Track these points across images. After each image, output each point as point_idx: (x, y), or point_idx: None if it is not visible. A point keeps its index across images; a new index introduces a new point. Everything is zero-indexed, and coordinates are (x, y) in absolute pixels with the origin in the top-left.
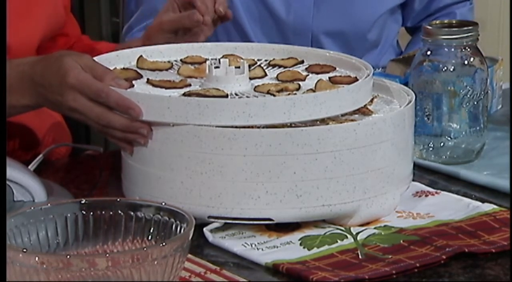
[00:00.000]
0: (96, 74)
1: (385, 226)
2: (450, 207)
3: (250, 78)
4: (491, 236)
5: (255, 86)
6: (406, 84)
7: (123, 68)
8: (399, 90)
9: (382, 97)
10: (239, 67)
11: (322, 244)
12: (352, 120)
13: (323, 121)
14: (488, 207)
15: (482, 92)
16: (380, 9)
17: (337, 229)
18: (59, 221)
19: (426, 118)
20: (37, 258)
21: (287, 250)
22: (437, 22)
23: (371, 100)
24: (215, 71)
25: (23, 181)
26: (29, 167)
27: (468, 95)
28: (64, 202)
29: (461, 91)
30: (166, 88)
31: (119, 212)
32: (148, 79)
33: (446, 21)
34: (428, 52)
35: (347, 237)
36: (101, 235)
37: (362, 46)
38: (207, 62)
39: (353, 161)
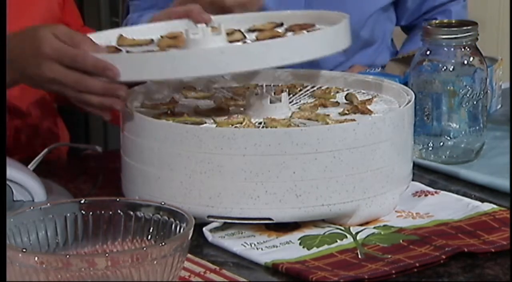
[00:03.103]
0: (73, 42)
1: (384, 225)
2: (450, 207)
3: (230, 42)
4: (491, 236)
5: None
6: (405, 84)
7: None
8: (398, 90)
9: (381, 97)
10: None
11: (321, 243)
12: (351, 120)
13: (323, 121)
14: (487, 207)
15: (482, 92)
16: (372, 7)
17: (337, 228)
18: (58, 220)
19: (425, 118)
20: (36, 258)
21: (286, 249)
22: (437, 22)
23: (371, 100)
24: (193, 36)
25: (23, 180)
26: (29, 166)
27: (468, 95)
28: (63, 202)
29: (461, 91)
30: None
31: (119, 211)
32: (127, 51)
33: (445, 21)
34: (428, 52)
35: (346, 237)
36: (100, 234)
37: (355, 44)
38: (185, 29)
39: (352, 160)
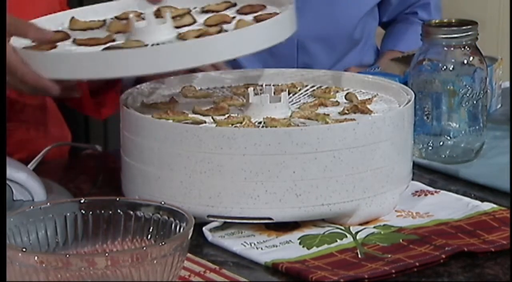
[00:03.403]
0: (19, 31)
1: (384, 225)
2: (450, 206)
3: (178, 27)
4: (491, 235)
5: (179, 34)
6: (405, 83)
7: (55, 31)
8: (398, 89)
9: (381, 96)
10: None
11: (321, 243)
12: (351, 119)
13: (323, 120)
14: (487, 206)
15: (482, 92)
16: (363, 9)
17: (337, 228)
18: (58, 220)
19: (425, 118)
20: (36, 258)
21: (286, 249)
22: (436, 21)
23: (371, 100)
24: (137, 24)
25: (23, 180)
26: (29, 166)
27: (468, 95)
28: (63, 201)
29: (461, 90)
30: (90, 46)
31: (119, 211)
32: (74, 39)
33: (445, 20)
34: (428, 52)
35: (346, 236)
36: (100, 234)
37: (346, 46)
38: (130, 16)
39: (352, 160)
